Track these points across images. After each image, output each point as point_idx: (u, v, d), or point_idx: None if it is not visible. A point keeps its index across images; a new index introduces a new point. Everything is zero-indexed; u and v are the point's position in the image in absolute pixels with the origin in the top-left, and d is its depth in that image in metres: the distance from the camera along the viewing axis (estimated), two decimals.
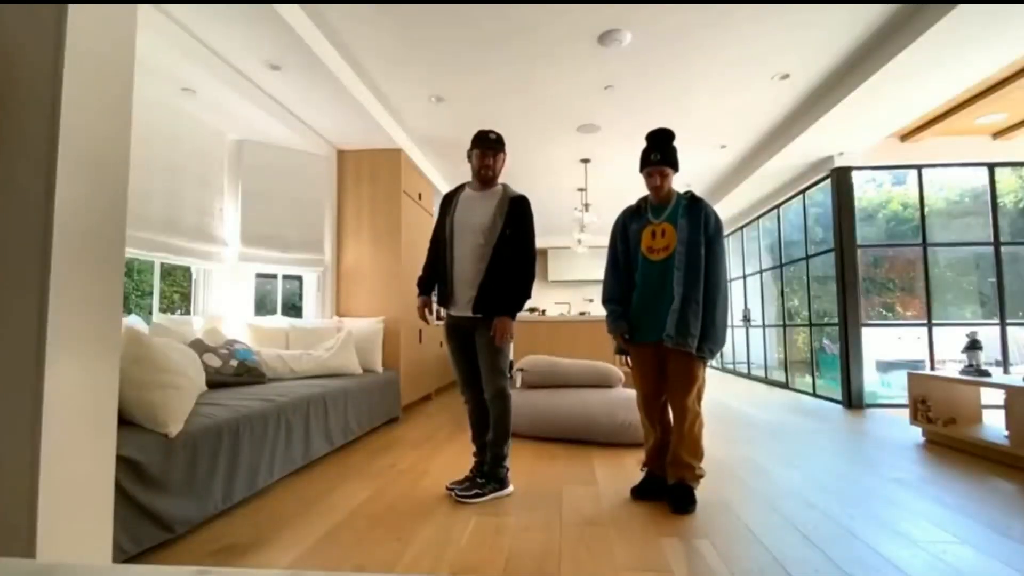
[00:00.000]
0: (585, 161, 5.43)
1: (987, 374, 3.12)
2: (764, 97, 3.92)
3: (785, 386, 6.25)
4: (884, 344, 4.95)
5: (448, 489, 2.28)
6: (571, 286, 9.92)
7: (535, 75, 3.57)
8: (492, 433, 2.31)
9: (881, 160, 4.85)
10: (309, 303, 4.33)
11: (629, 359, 2.34)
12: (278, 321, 3.77)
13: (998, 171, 4.82)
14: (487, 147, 2.28)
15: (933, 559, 1.66)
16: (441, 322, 2.46)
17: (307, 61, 2.98)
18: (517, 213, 2.26)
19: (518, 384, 3.72)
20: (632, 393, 3.01)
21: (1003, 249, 4.76)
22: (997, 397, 2.99)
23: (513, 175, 5.76)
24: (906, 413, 3.70)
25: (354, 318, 4.20)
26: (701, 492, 2.21)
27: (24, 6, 1.17)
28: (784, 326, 6.42)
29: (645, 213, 2.31)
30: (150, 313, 3.21)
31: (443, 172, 5.82)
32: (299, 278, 4.41)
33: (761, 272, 7.22)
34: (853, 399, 4.67)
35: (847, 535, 1.85)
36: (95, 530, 1.25)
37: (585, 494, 2.30)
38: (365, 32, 3.03)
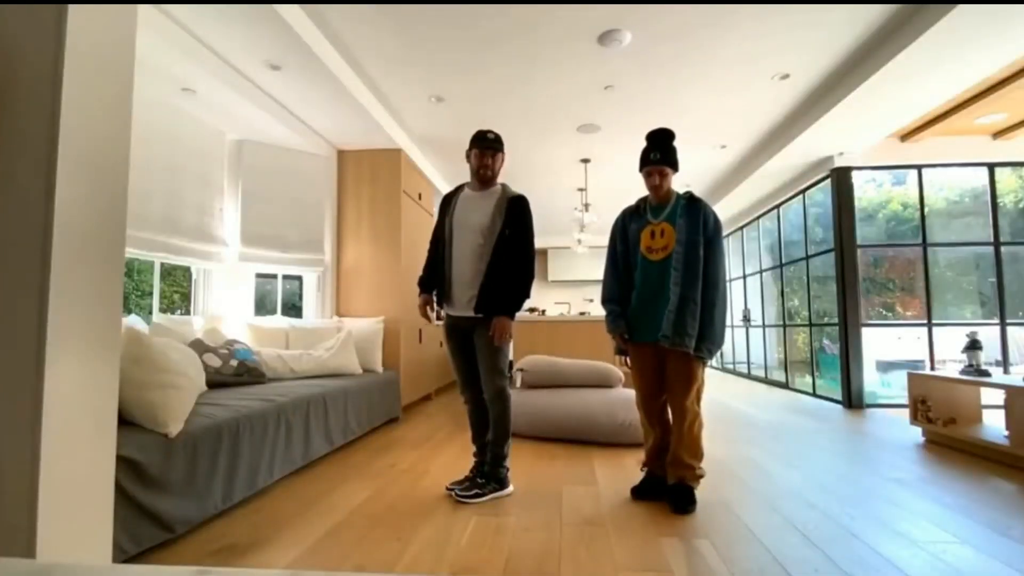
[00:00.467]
0: (585, 161, 5.43)
1: (987, 374, 3.12)
2: (764, 97, 3.92)
3: (785, 386, 6.25)
4: (884, 344, 4.95)
5: (448, 489, 2.28)
6: (571, 286, 9.92)
7: (535, 75, 3.56)
8: (492, 433, 2.31)
9: (881, 160, 4.85)
10: (309, 303, 4.33)
11: (629, 359, 2.34)
12: (278, 321, 3.77)
13: (998, 171, 4.82)
14: (486, 147, 2.29)
15: (933, 559, 1.66)
16: (441, 322, 2.46)
17: (307, 61, 2.98)
18: (516, 213, 2.26)
19: (518, 384, 3.72)
20: (632, 393, 3.00)
21: (1003, 249, 4.76)
22: (997, 397, 2.99)
23: (513, 175, 5.76)
24: (906, 413, 3.70)
25: (354, 318, 4.20)
26: (701, 492, 2.21)
27: (24, 6, 1.17)
28: (784, 326, 6.42)
29: (644, 213, 2.31)
30: (150, 313, 3.21)
31: (443, 172, 5.82)
32: (299, 278, 4.41)
33: (761, 272, 7.21)
34: (853, 399, 4.67)
35: (847, 535, 1.85)
36: (95, 530, 1.25)
37: (585, 494, 2.30)
38: (365, 32, 3.03)
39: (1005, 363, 4.63)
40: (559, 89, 3.79)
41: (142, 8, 2.33)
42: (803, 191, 5.65)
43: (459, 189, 2.42)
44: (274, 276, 4.20)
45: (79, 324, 1.19)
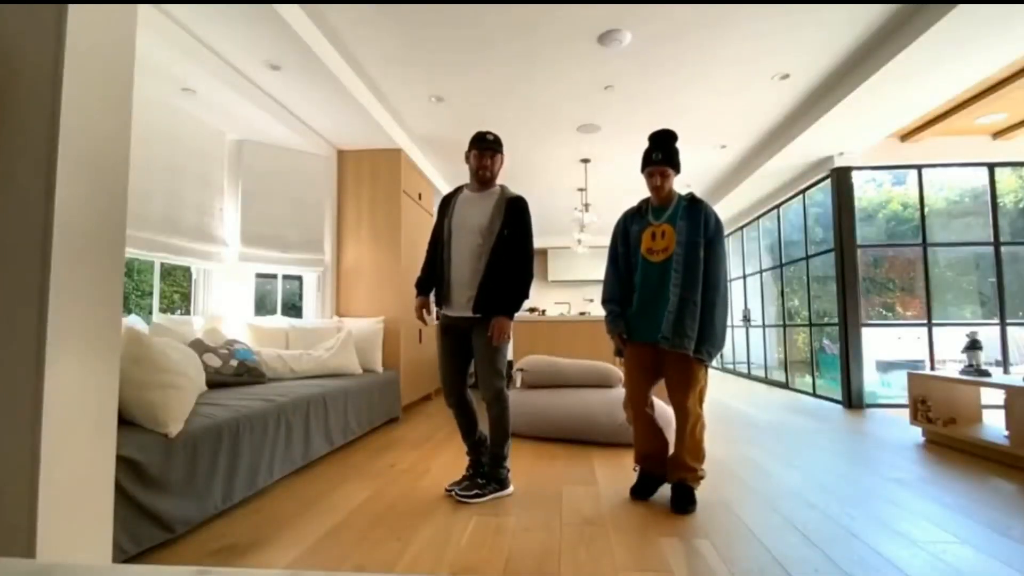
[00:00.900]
0: (585, 161, 5.43)
1: (987, 374, 3.12)
2: (764, 97, 3.92)
3: (785, 386, 6.25)
4: (884, 344, 4.95)
5: (447, 491, 2.28)
6: (571, 286, 9.92)
7: (535, 75, 3.56)
8: (491, 434, 2.31)
9: (881, 160, 4.85)
10: (309, 303, 4.33)
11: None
12: (278, 321, 3.77)
13: (998, 171, 4.82)
14: (485, 148, 2.29)
15: (933, 559, 1.66)
16: (437, 321, 2.46)
17: (307, 61, 2.98)
18: (515, 213, 2.26)
19: (518, 384, 3.72)
20: None
21: (1003, 249, 4.76)
22: (997, 397, 2.99)
23: (513, 175, 5.76)
24: (906, 413, 3.70)
25: (354, 318, 4.20)
26: (701, 492, 2.21)
27: (24, 6, 1.17)
28: (784, 326, 6.42)
29: (646, 215, 2.31)
30: (150, 313, 3.21)
31: (443, 172, 5.82)
32: (299, 278, 4.41)
33: (761, 272, 7.22)
34: (853, 399, 4.67)
35: (847, 535, 1.85)
36: (95, 530, 1.25)
37: (585, 494, 2.30)
38: (365, 32, 3.03)
39: (1005, 363, 4.63)
40: (559, 89, 3.78)
41: (142, 8, 2.33)
42: (803, 191, 5.65)
43: (458, 190, 2.42)
44: (274, 276, 4.20)
45: (79, 324, 1.19)
